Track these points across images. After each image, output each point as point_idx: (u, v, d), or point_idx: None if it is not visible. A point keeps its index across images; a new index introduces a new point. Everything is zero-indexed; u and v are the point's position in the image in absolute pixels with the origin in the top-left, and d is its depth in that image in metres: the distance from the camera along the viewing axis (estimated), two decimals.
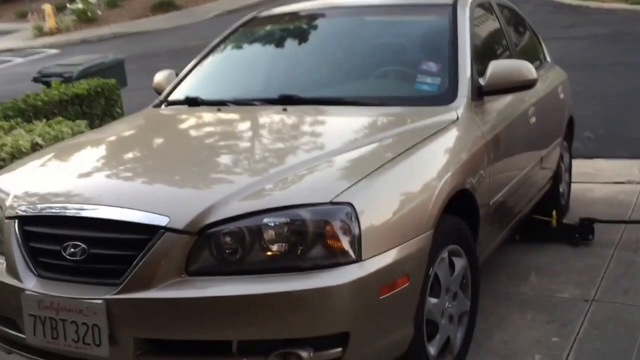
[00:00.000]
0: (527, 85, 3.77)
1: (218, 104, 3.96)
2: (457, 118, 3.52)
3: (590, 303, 3.97)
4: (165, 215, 2.64)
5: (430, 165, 3.17)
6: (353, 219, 2.62)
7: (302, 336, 2.58)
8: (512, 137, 4.05)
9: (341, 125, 3.61)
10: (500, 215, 3.94)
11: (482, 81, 3.74)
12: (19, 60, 19.84)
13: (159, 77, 4.53)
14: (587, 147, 7.37)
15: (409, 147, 3.14)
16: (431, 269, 2.97)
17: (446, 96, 3.65)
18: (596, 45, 12.78)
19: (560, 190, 5.49)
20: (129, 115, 4.56)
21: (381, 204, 2.81)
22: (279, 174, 2.89)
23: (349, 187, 2.73)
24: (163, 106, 4.25)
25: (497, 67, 3.74)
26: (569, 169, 5.89)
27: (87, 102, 7.14)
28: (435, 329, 3.08)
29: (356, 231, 2.62)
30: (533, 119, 4.41)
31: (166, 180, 3.06)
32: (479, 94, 3.74)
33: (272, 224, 2.61)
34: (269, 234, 2.61)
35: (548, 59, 5.60)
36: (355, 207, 2.64)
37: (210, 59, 4.53)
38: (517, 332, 3.68)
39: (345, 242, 2.61)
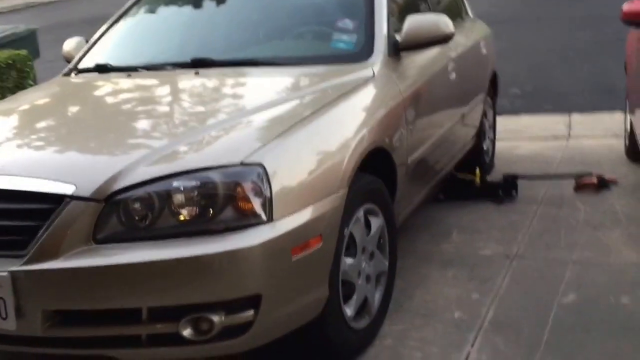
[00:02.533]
0: (444, 39, 3.74)
1: (129, 70, 3.86)
2: (373, 75, 3.47)
3: (512, 259, 3.98)
4: (71, 184, 2.55)
5: (344, 123, 3.11)
6: (264, 179, 2.57)
7: (213, 300, 2.51)
8: (431, 94, 4.01)
9: (254, 87, 3.54)
10: (420, 174, 3.90)
11: (398, 37, 3.69)
12: None
13: (69, 45, 4.42)
14: (513, 104, 7.42)
15: (322, 105, 3.08)
16: (346, 228, 2.92)
17: (362, 53, 3.60)
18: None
19: (484, 147, 5.49)
20: (37, 85, 4.42)
21: (293, 163, 2.76)
22: (189, 137, 2.83)
23: (260, 148, 2.67)
24: (73, 74, 4.12)
25: (413, 21, 3.69)
26: (494, 126, 5.89)
27: None
28: (351, 290, 3.03)
29: (267, 192, 2.56)
30: (453, 75, 4.38)
31: (73, 148, 2.97)
32: (396, 49, 3.69)
33: (182, 188, 2.54)
34: (179, 199, 2.54)
35: (470, 13, 5.56)
36: (266, 167, 2.59)
37: (120, 24, 4.40)
38: (438, 290, 3.65)
39: (256, 204, 2.54)
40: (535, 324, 3.25)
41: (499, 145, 6.08)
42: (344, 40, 3.69)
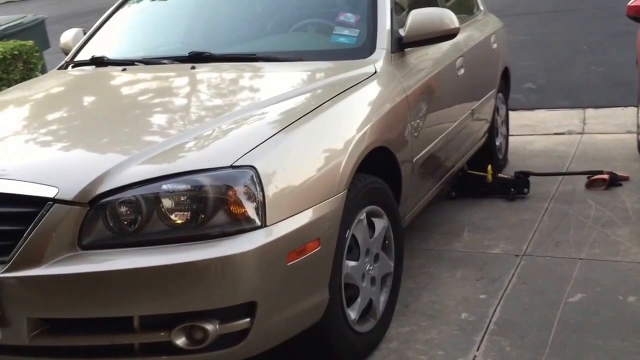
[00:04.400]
0: (449, 35, 3.63)
1: (125, 63, 3.76)
2: (375, 72, 3.38)
3: (521, 258, 3.93)
4: (53, 186, 2.46)
5: (343, 122, 3.02)
6: (256, 183, 2.48)
7: (206, 308, 2.43)
8: (438, 91, 3.94)
9: (252, 83, 3.45)
10: (428, 172, 3.84)
11: (402, 32, 3.60)
12: None
13: (66, 37, 4.32)
14: (528, 98, 7.35)
15: (319, 104, 2.98)
16: (348, 231, 2.85)
17: (364, 49, 3.51)
18: None
19: (497, 143, 5.42)
20: (30, 80, 4.35)
21: (288, 165, 2.66)
22: (180, 137, 2.72)
23: (253, 149, 2.58)
24: (69, 68, 4.04)
25: (417, 16, 3.59)
26: (506, 122, 5.82)
27: (3, 66, 6.71)
28: (355, 293, 2.97)
29: (260, 196, 2.47)
30: (462, 71, 4.29)
31: (59, 148, 2.87)
32: (399, 45, 3.60)
33: (171, 191, 2.45)
34: (168, 202, 2.45)
35: (481, 7, 5.46)
36: (259, 170, 2.50)
37: (118, 15, 4.32)
38: (446, 291, 3.61)
39: (249, 208, 2.46)
40: (542, 324, 3.20)
41: (513, 140, 6.02)
42: (346, 35, 3.59)
